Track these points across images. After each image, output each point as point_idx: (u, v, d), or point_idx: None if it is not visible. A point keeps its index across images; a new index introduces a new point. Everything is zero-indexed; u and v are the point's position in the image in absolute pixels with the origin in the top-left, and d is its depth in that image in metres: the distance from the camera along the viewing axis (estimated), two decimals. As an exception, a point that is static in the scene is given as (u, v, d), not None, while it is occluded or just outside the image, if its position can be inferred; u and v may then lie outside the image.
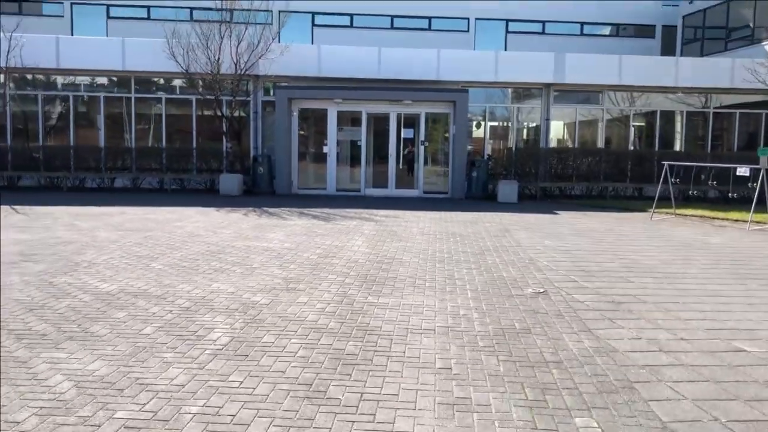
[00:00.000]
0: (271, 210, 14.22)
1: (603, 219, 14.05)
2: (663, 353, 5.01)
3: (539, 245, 10.08)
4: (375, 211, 14.27)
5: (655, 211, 14.63)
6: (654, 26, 30.33)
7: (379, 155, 18.88)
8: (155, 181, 18.85)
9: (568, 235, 11.30)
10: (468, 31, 29.64)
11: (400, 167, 18.89)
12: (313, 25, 28.82)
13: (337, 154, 18.77)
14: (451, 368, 4.57)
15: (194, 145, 19.50)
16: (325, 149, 18.70)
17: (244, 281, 7.18)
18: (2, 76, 18.23)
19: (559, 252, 9.48)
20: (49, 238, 9.90)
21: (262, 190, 18.11)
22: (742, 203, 16.35)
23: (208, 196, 17.46)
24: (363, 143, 18.72)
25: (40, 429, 3.50)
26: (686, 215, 14.68)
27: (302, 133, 19.17)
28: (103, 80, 19.89)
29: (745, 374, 4.58)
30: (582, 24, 30.11)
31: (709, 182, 16.52)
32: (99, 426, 3.55)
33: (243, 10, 19.35)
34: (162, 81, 20.11)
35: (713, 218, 14.26)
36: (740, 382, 4.41)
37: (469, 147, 20.65)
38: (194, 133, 19.76)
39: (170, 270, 7.71)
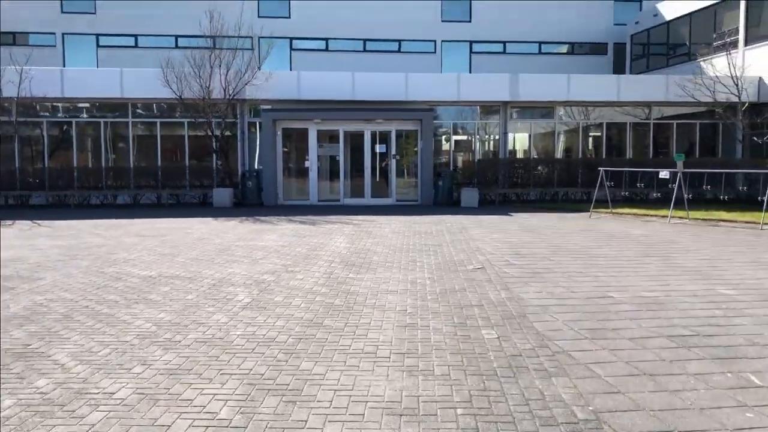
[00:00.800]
0: (263, 218, 16.29)
1: (549, 218, 16.34)
2: (554, 299, 7.19)
3: (487, 238, 12.29)
4: (353, 217, 16.41)
5: (594, 210, 16.95)
6: (606, 44, 33.00)
7: (356, 168, 21.06)
8: (153, 196, 20.80)
9: (514, 231, 13.53)
10: (435, 52, 32.03)
11: (375, 179, 21.07)
12: (291, 49, 31.00)
13: (318, 168, 20.91)
14: (406, 310, 6.70)
15: (187, 163, 21.50)
16: (307, 164, 20.84)
17: (252, 267, 9.25)
18: (12, 105, 20.05)
19: (501, 242, 11.70)
20: (81, 243, 11.88)
21: (251, 202, 20.15)
22: (685, 202, 18.72)
23: (202, 208, 19.46)
24: (341, 158, 20.89)
25: (143, 343, 5.56)
26: (621, 213, 17.03)
27: (286, 150, 21.27)
28: (104, 107, 21.82)
29: (604, 308, 6.78)
30: (540, 43, 32.67)
31: (638, 184, 18.89)
32: (180, 341, 5.62)
33: (228, 36, 21.50)
34: (157, 106, 22.09)
35: (644, 215, 16.62)
36: (598, 312, 6.61)
37: (443, 159, 22.90)
38: (187, 152, 21.78)
39: (192, 262, 9.76)
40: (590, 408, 4.12)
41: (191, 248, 11.21)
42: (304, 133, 20.87)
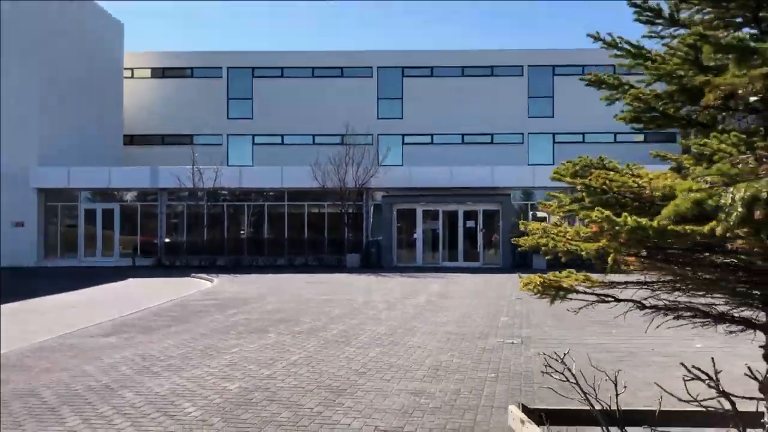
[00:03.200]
0: (384, 273, 22.84)
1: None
2: (549, 310, 13.04)
3: (536, 286, 18.11)
4: (447, 274, 22.61)
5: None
6: (675, 133, 37.87)
7: (451, 239, 27.35)
8: (302, 260, 27.96)
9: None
10: (523, 143, 38.24)
11: (466, 247, 27.21)
12: (403, 144, 38.24)
13: (423, 239, 27.39)
14: (466, 312, 12.83)
15: (326, 234, 28.66)
16: (415, 236, 27.38)
17: (382, 296, 15.67)
18: (204, 194, 28.14)
19: (544, 288, 17.49)
20: (273, 286, 18.83)
21: (374, 264, 26.81)
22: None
23: (338, 268, 26.31)
24: (440, 231, 27.30)
25: (340, 317, 12.04)
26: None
27: (399, 225, 27.95)
28: (267, 193, 29.58)
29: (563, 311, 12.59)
30: (615, 134, 38.12)
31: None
32: (356, 317, 12.06)
33: (355, 134, 28.80)
34: (306, 192, 29.60)
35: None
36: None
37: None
38: (326, 226, 28.98)
39: (345, 293, 16.34)
40: (529, 331, 10.11)
41: (343, 287, 17.86)
42: (412, 212, 27.55)
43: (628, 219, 2.59)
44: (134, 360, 8.38)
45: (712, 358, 3.51)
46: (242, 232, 29.92)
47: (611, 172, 3.41)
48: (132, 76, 38.81)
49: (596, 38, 3.91)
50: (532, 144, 38.37)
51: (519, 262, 26.11)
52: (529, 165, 30.72)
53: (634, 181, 3.13)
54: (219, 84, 38.88)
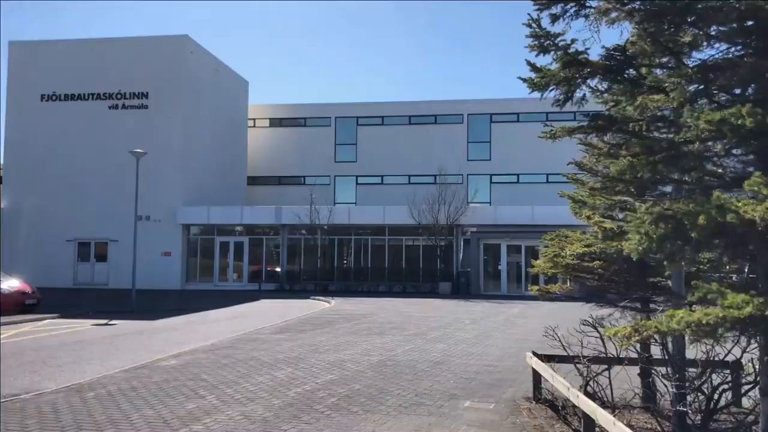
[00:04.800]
0: (471, 300, 26.71)
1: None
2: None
3: (601, 311, 21.51)
4: (528, 302, 26.15)
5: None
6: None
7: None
8: (400, 286, 32.21)
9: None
10: (603, 182, 41.08)
11: (546, 278, 30.55)
12: (491, 183, 42.05)
13: (507, 270, 31.00)
14: (534, 328, 16.58)
15: (421, 264, 32.84)
16: (500, 267, 31.05)
17: (469, 315, 19.59)
18: (318, 229, 33.07)
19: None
20: (382, 306, 23.09)
21: (463, 291, 30.66)
22: None
23: (432, 294, 30.36)
24: (522, 263, 30.84)
25: (434, 326, 16.10)
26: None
27: (485, 258, 31.70)
28: (370, 228, 34.19)
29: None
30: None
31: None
32: (448, 328, 16.08)
33: (447, 174, 32.98)
34: (403, 228, 33.98)
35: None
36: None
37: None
38: (421, 257, 33.18)
39: (438, 312, 20.36)
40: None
41: (437, 308, 21.92)
42: (497, 246, 31.28)
43: (557, 258, 6.60)
44: (303, 347, 12.79)
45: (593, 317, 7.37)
46: (344, 262, 34.57)
47: (564, 237, 7.39)
48: (254, 126, 44.73)
49: (565, 174, 7.97)
50: (613, 183, 41.06)
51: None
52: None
53: (571, 240, 7.13)
54: (328, 131, 44.16)
